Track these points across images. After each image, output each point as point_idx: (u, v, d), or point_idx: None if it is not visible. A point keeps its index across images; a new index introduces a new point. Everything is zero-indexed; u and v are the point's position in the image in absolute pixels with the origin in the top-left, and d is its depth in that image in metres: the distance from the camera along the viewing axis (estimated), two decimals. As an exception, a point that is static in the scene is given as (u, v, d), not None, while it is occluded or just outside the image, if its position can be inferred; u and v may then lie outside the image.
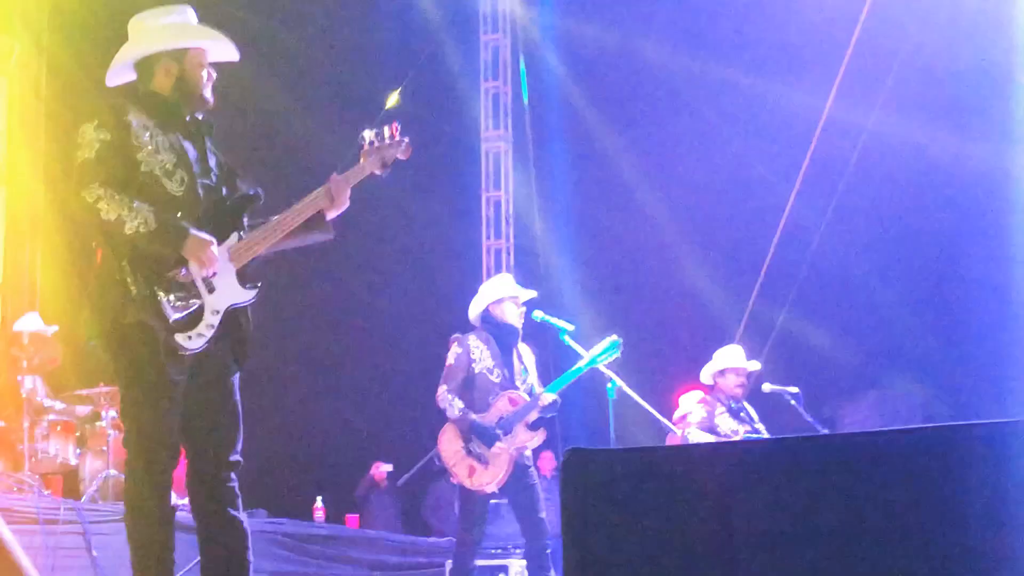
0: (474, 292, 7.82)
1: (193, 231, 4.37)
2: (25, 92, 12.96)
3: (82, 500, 8.37)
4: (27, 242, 12.78)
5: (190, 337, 4.37)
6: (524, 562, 7.83)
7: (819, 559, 2.50)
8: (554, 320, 7.57)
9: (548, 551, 7.11)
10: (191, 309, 4.40)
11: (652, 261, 12.60)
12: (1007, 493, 2.36)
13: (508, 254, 13.19)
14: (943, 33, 10.79)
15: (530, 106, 13.16)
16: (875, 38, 10.68)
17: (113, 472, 8.63)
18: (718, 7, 12.38)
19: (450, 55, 13.46)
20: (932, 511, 2.45)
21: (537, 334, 8.02)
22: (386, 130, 4.84)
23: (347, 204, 4.76)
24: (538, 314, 7.70)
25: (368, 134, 4.82)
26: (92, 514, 7.34)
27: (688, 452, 3.78)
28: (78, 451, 8.89)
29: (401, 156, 4.86)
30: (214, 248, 4.42)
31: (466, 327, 7.65)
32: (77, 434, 8.93)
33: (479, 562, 7.91)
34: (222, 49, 4.75)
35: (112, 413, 8.79)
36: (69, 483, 8.89)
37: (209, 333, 4.42)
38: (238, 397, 4.64)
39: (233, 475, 4.60)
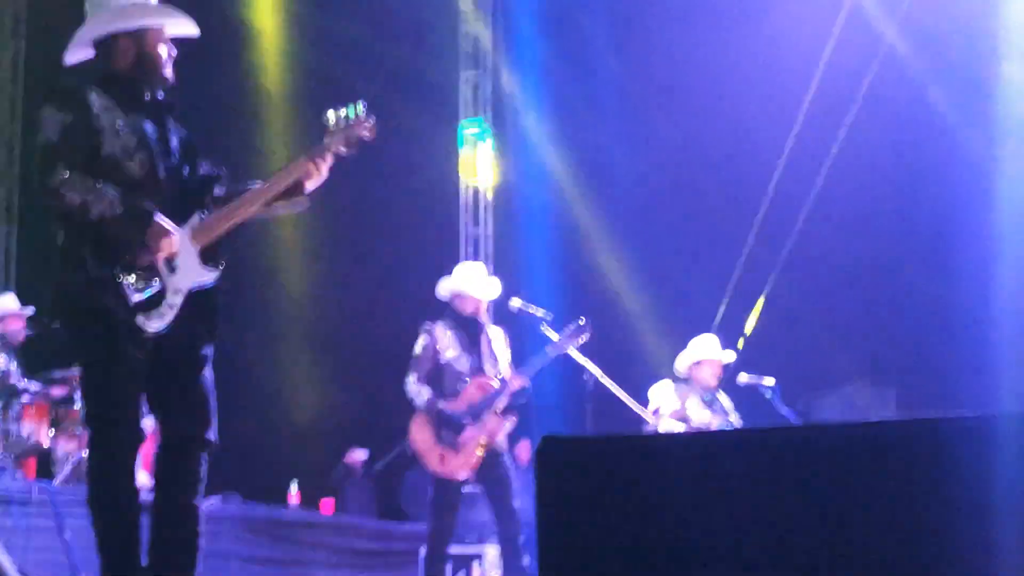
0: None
1: (158, 216, 4.33)
2: (2, 76, 12.90)
3: (55, 482, 8.35)
4: (3, 224, 12.75)
5: (151, 318, 4.34)
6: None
7: (798, 549, 2.51)
8: (531, 308, 7.56)
9: (521, 539, 7.11)
10: (152, 290, 4.36)
11: (631, 248, 12.61)
12: (988, 486, 2.37)
13: (486, 241, 13.18)
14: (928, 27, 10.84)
15: (510, 93, 13.15)
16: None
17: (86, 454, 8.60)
18: (708, 6, 12.38)
19: (430, 43, 13.42)
20: (911, 504, 2.46)
21: (513, 321, 8.01)
22: (352, 109, 4.72)
23: (325, 176, 4.67)
24: (515, 302, 7.67)
25: (333, 114, 4.72)
26: (65, 496, 7.32)
27: (665, 440, 3.78)
28: (51, 433, 8.87)
29: (366, 135, 4.73)
30: (175, 238, 4.38)
31: (442, 314, 7.62)
32: (51, 416, 8.91)
33: (455, 549, 7.91)
34: (182, 25, 4.68)
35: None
36: (42, 464, 8.86)
37: (171, 314, 4.38)
38: (210, 374, 4.57)
39: (203, 456, 4.52)
